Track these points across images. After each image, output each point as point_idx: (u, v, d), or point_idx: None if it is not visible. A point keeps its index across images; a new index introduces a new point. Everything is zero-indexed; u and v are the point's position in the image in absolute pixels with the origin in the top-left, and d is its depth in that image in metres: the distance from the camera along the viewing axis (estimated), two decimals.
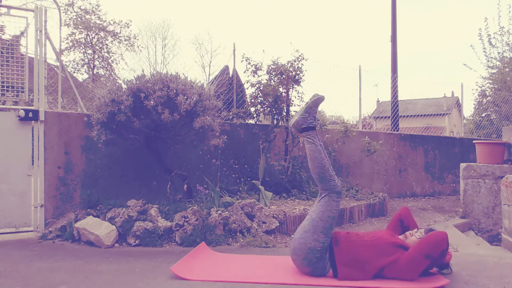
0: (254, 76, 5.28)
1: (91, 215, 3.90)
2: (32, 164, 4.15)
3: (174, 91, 3.80)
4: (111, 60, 14.26)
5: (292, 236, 3.99)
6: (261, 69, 5.28)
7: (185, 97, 3.79)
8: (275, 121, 5.33)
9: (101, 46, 13.90)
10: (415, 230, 2.69)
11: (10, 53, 4.26)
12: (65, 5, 13.33)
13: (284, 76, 5.08)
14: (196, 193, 4.44)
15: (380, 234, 2.66)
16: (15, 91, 4.23)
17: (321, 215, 2.60)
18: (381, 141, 6.76)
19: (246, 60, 5.28)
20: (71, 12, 13.49)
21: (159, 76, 3.93)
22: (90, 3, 13.76)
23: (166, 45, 21.27)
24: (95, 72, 14.01)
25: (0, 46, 4.28)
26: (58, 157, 4.20)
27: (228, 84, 6.31)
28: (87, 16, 13.54)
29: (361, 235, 2.64)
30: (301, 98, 5.32)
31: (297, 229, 2.69)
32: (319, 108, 3.08)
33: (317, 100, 2.80)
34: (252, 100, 5.29)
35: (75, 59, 14.10)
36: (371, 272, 2.48)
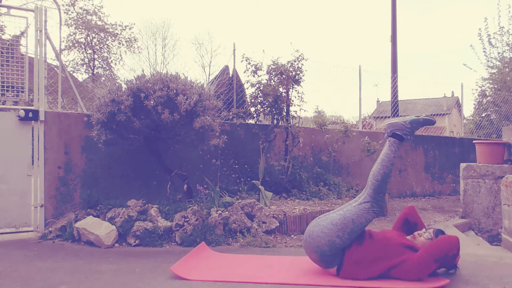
0: (254, 76, 5.28)
1: (91, 215, 3.90)
2: (32, 164, 4.15)
3: (174, 91, 3.80)
4: (111, 61, 14.27)
5: (292, 236, 3.99)
6: (261, 69, 5.28)
7: (185, 97, 3.79)
8: (275, 121, 5.32)
9: (101, 46, 13.89)
10: (424, 230, 2.68)
11: (10, 53, 4.26)
12: (66, 4, 13.31)
13: (284, 76, 5.08)
14: (196, 193, 4.44)
15: (389, 235, 2.65)
16: (15, 91, 4.23)
17: (355, 217, 2.54)
18: (381, 141, 6.76)
19: (246, 60, 5.28)
20: (72, 12, 13.47)
21: (159, 76, 3.93)
22: (93, 4, 13.74)
23: (166, 45, 21.32)
24: (95, 72, 14.01)
25: (0, 46, 4.28)
26: (58, 157, 4.20)
27: (228, 84, 6.30)
28: (89, 17, 13.52)
29: (373, 235, 2.63)
30: (301, 98, 5.32)
31: (322, 217, 2.63)
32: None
33: (429, 122, 2.73)
34: (252, 100, 5.29)
35: (75, 59, 14.10)
36: (377, 272, 2.47)
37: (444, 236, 2.52)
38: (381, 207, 2.62)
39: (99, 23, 13.68)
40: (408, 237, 2.69)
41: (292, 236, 4.00)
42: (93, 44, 13.70)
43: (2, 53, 4.23)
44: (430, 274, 2.48)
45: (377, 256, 2.48)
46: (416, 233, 2.67)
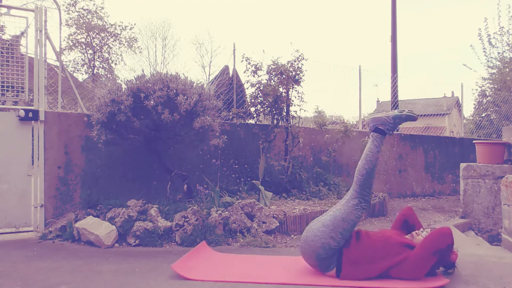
0: (254, 76, 5.28)
1: (91, 215, 3.90)
2: (32, 164, 4.15)
3: (174, 91, 3.80)
4: (111, 61, 14.27)
5: (292, 236, 3.99)
6: (261, 69, 5.28)
7: (185, 97, 3.79)
8: (275, 121, 5.32)
9: (101, 46, 13.89)
10: (421, 230, 2.70)
11: (10, 53, 4.26)
12: (68, 4, 13.30)
13: (284, 76, 5.08)
14: (196, 193, 4.44)
15: (388, 234, 2.65)
16: (15, 91, 4.23)
17: (345, 216, 2.56)
18: None
19: (246, 60, 5.28)
20: (72, 12, 13.46)
21: (159, 76, 3.93)
22: (94, 4, 13.73)
23: (166, 45, 21.28)
24: (95, 72, 14.01)
25: (0, 46, 4.28)
26: (58, 157, 4.20)
27: (228, 84, 6.30)
28: (89, 16, 13.52)
29: (370, 234, 2.64)
30: (301, 98, 5.32)
31: (314, 221, 2.65)
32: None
33: (411, 118, 2.74)
34: (252, 100, 5.30)
35: (75, 59, 14.10)
36: (377, 271, 2.47)
37: (435, 229, 2.54)
38: (368, 202, 2.64)
39: (100, 23, 13.68)
40: (407, 236, 2.70)
41: (292, 236, 4.00)
42: (93, 44, 13.70)
43: (2, 53, 4.23)
44: (430, 274, 2.49)
45: (376, 255, 2.49)
46: (414, 232, 2.68)
